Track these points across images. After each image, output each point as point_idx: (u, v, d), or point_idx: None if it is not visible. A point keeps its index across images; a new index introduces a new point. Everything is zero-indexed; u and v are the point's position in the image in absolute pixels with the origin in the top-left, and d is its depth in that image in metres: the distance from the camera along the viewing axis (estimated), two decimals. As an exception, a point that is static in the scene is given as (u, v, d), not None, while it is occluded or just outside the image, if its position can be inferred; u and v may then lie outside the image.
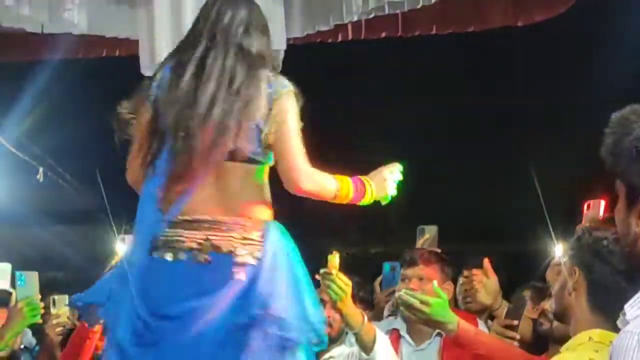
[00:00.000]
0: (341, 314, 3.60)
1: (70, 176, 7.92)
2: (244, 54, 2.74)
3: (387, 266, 4.46)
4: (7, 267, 4.11)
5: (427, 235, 4.37)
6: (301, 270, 2.73)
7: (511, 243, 7.27)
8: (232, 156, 2.68)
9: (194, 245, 2.66)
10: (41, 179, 7.47)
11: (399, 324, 4.08)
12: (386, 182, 2.96)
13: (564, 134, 6.73)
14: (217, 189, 2.70)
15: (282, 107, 2.70)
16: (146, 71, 5.91)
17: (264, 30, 2.84)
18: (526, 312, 3.81)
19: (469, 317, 3.98)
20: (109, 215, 4.24)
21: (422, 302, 3.22)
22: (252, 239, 2.67)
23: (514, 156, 6.79)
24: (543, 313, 3.77)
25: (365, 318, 3.59)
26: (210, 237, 2.66)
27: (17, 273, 3.81)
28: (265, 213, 2.75)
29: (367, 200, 2.89)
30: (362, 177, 2.90)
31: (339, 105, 7.12)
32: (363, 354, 3.69)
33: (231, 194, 2.70)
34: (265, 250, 2.67)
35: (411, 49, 6.26)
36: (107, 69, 6.57)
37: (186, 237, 2.67)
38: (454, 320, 3.17)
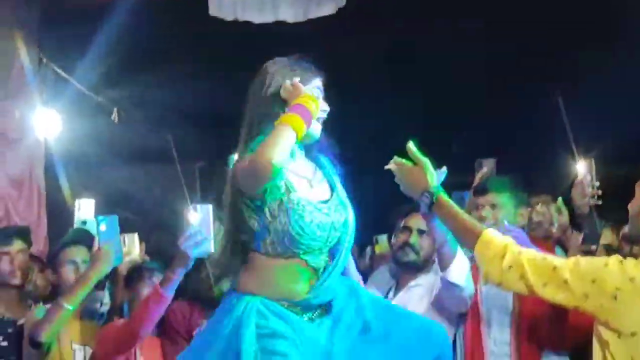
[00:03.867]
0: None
1: (144, 117, 8.02)
2: None
3: (455, 195, 4.43)
4: (91, 201, 4.16)
5: (485, 169, 4.33)
6: None
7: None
8: None
9: None
10: (116, 120, 7.63)
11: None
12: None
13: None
14: None
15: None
16: (214, 12, 5.96)
17: None
18: (603, 239, 3.77)
19: (545, 244, 3.97)
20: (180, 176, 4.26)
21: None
22: None
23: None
24: (624, 237, 3.73)
25: (449, 235, 3.54)
26: None
27: (98, 217, 3.86)
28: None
29: (312, 107, 2.88)
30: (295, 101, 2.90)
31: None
32: (439, 270, 3.77)
33: None
34: None
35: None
36: (178, 11, 6.64)
37: None
38: (430, 184, 3.03)
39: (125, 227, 4.30)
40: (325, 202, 2.96)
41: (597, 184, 4.06)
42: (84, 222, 4.57)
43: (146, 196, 7.91)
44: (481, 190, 4.07)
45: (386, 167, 3.04)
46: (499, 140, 6.66)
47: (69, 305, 3.87)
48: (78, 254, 4.22)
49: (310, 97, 2.90)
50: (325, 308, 2.94)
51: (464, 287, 3.82)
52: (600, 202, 4.08)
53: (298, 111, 2.84)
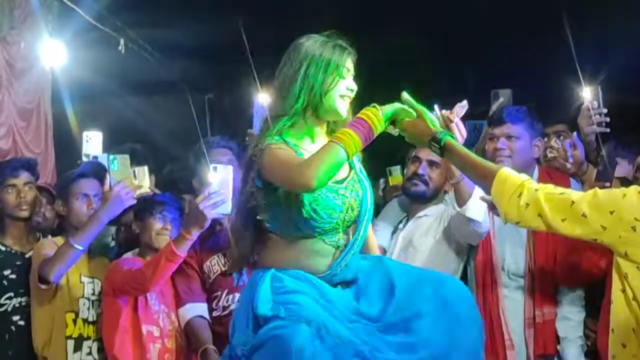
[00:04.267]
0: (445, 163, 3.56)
1: (150, 47, 7.91)
2: None
3: (469, 124, 4.38)
4: (98, 134, 4.16)
5: (502, 99, 4.26)
6: None
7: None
8: None
9: None
10: (122, 51, 7.52)
11: None
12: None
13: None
14: None
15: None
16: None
17: None
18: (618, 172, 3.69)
19: (563, 177, 3.90)
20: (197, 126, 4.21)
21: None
22: None
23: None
24: (639, 167, 3.67)
25: None
26: None
27: (110, 156, 3.84)
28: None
29: (378, 128, 2.82)
30: (361, 113, 2.83)
31: None
32: (456, 206, 3.70)
33: None
34: None
35: None
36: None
37: None
38: (437, 129, 2.95)
39: (135, 159, 4.26)
40: (342, 181, 2.93)
41: (605, 110, 3.94)
42: (95, 158, 4.53)
43: (155, 128, 7.85)
44: (497, 121, 3.99)
45: (389, 130, 2.96)
46: (512, 70, 6.55)
47: (79, 245, 3.88)
48: (90, 187, 4.19)
49: (376, 114, 2.82)
50: (348, 283, 2.94)
51: (481, 222, 3.77)
52: (608, 130, 3.98)
53: (359, 128, 2.78)
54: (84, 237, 3.89)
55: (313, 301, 2.78)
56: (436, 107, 3.42)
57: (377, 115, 2.81)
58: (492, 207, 2.97)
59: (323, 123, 3.00)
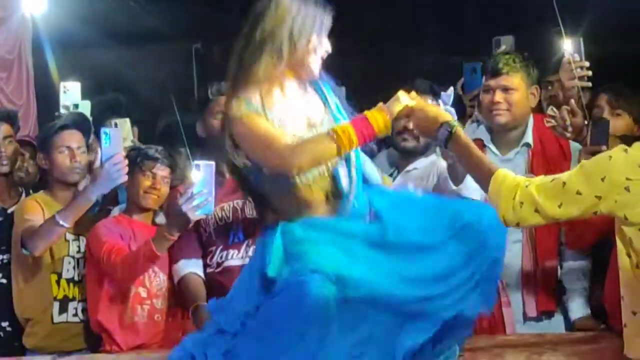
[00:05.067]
0: None
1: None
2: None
3: (467, 67, 4.24)
4: (77, 84, 4.13)
5: (504, 46, 4.15)
6: None
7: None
8: None
9: None
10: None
11: (482, 133, 3.95)
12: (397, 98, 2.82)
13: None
14: None
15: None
16: None
17: None
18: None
19: (561, 140, 3.78)
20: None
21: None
22: None
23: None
24: None
25: None
26: None
27: (102, 130, 3.72)
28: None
29: (381, 132, 2.76)
30: (369, 114, 2.76)
31: None
32: (451, 184, 3.58)
33: None
34: None
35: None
36: None
37: None
38: (448, 117, 2.89)
39: (118, 110, 4.11)
40: (315, 126, 2.85)
41: (587, 64, 3.82)
42: (76, 106, 4.38)
43: (140, 79, 7.67)
44: (492, 72, 3.84)
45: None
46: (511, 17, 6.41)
47: (65, 223, 3.77)
48: (73, 139, 4.06)
49: (381, 115, 2.74)
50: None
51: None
52: (589, 84, 3.90)
53: (358, 126, 2.72)
54: (71, 214, 3.77)
55: (326, 245, 2.69)
56: (443, 94, 3.31)
57: (385, 120, 2.75)
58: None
59: (294, 79, 2.90)
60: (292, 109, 2.84)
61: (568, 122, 3.69)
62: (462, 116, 4.44)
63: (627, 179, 2.60)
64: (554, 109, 3.87)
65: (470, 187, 3.53)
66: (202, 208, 3.48)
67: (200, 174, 3.46)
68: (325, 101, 2.89)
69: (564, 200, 2.65)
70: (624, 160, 2.63)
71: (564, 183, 2.67)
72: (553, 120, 3.75)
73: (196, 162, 3.53)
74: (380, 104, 2.81)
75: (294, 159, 2.67)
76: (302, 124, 2.84)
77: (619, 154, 2.66)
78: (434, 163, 4.00)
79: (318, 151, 2.70)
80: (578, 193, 2.64)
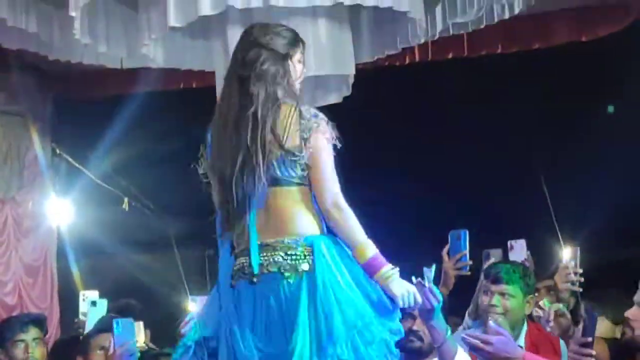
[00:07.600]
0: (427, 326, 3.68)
1: (153, 205, 8.11)
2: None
3: (452, 235, 4.46)
4: (95, 293, 4.23)
5: (493, 259, 4.39)
6: (351, 275, 2.86)
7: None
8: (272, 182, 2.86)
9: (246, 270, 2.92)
10: (126, 209, 7.74)
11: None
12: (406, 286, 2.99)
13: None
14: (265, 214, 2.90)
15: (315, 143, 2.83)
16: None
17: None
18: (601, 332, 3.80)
19: (552, 339, 4.01)
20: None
21: (483, 342, 3.24)
22: (296, 254, 2.84)
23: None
24: (626, 322, 3.79)
25: (449, 332, 3.63)
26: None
27: (114, 320, 3.85)
28: (310, 228, 2.88)
29: (378, 276, 2.89)
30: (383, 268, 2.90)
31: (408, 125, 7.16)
32: None
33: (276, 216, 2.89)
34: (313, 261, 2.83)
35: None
36: (185, 100, 6.80)
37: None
38: (519, 354, 3.17)
39: (130, 314, 4.35)
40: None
41: (580, 271, 4.16)
42: (94, 303, 4.62)
43: (154, 284, 7.91)
44: (493, 278, 4.11)
45: None
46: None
47: None
48: (107, 340, 4.16)
49: (403, 282, 2.95)
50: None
51: None
52: (580, 290, 4.20)
53: (372, 260, 2.86)
54: None
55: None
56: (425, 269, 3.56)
57: (388, 275, 2.88)
58: (472, 349, 3.13)
59: None
60: None
61: (552, 318, 3.96)
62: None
63: None
64: (544, 304, 4.17)
65: None
66: None
67: (197, 307, 3.57)
68: None
69: None
70: None
71: None
72: (541, 312, 4.02)
73: (192, 296, 3.68)
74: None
75: (340, 202, 2.80)
76: None
77: None
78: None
79: (350, 220, 2.82)
80: None
